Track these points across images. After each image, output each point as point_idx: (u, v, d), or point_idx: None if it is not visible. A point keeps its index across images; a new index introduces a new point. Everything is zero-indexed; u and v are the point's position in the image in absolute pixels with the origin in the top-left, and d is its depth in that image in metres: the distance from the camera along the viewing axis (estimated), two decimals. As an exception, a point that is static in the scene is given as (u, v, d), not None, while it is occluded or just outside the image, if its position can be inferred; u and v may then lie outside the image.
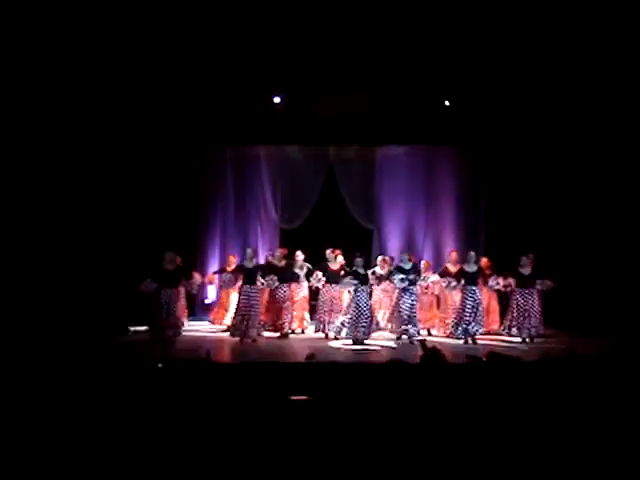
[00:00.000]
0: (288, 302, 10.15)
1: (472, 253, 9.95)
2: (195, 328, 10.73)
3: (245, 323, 9.42)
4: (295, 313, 10.45)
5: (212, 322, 11.06)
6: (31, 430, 2.60)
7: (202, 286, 12.60)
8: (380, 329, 9.84)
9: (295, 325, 10.51)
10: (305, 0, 9.14)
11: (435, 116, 11.69)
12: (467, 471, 2.21)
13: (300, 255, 10.63)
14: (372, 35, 9.72)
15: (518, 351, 8.59)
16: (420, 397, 2.56)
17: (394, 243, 12.49)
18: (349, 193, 12.50)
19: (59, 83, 9.72)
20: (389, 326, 10.05)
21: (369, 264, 10.49)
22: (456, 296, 10.02)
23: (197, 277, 10.17)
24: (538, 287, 9.73)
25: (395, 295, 9.92)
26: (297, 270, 10.46)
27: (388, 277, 9.90)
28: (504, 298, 10.36)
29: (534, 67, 10.30)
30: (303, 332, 10.64)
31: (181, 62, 10.32)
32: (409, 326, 9.45)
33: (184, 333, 9.69)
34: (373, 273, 9.95)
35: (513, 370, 2.75)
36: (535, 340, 9.64)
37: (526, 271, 9.78)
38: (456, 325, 9.66)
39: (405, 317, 9.48)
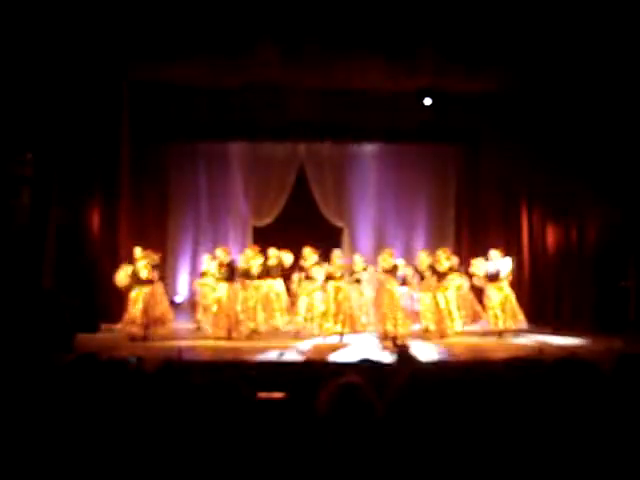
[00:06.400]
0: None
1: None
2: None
3: (227, 321, 9.33)
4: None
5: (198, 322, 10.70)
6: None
7: (173, 284, 12.46)
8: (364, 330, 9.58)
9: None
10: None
11: (409, 113, 11.48)
12: (439, 468, 2.23)
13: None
14: (346, 29, 9.46)
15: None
16: (389, 394, 2.57)
17: (365, 241, 12.57)
18: (320, 190, 12.55)
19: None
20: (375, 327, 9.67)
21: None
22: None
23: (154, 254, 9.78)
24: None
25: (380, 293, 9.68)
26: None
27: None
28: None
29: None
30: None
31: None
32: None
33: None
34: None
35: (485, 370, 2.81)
36: (504, 335, 9.64)
37: (493, 266, 9.82)
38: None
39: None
